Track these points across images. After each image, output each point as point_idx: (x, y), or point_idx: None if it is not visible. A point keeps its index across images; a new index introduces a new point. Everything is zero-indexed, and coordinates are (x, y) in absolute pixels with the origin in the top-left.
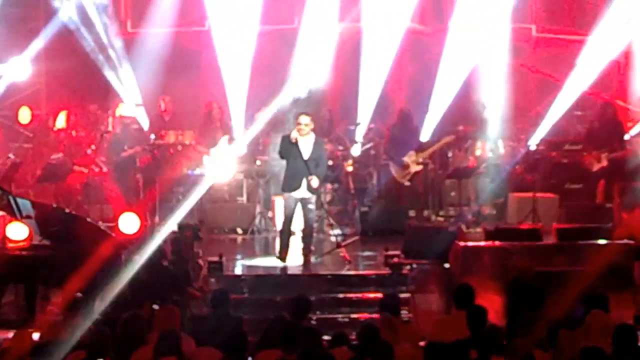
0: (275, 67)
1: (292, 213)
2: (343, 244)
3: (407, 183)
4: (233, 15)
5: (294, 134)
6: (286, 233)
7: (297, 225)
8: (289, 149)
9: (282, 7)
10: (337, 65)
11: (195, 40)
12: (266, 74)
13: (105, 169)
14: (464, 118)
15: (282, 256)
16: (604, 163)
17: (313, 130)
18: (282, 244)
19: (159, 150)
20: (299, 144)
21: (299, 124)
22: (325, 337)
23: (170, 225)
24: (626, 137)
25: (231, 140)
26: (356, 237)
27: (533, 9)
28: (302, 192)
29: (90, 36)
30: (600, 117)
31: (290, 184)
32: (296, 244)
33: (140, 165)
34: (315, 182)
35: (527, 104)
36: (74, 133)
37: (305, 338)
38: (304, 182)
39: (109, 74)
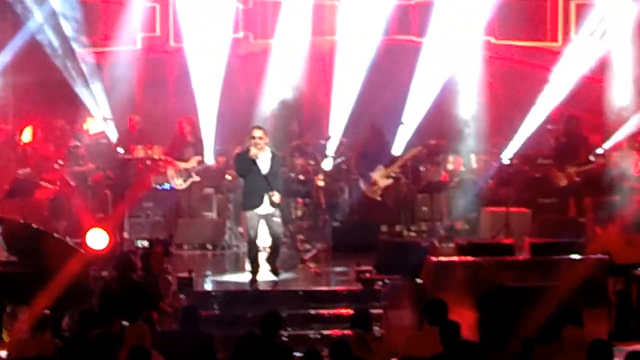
0: (248, 80)
1: (256, 232)
2: (307, 257)
3: (378, 198)
4: (206, 28)
5: (254, 151)
6: (253, 253)
7: (265, 241)
8: (247, 165)
9: (255, 19)
10: (308, 79)
11: (165, 56)
12: (238, 88)
13: (72, 184)
14: (436, 132)
15: (254, 281)
16: (573, 179)
17: (266, 144)
18: (251, 264)
19: (126, 166)
20: (258, 159)
21: (254, 137)
22: (297, 354)
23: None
24: (599, 150)
25: (202, 162)
26: (315, 250)
27: (508, 21)
28: (264, 208)
29: (59, 50)
30: (566, 131)
31: (251, 202)
32: (264, 261)
33: (91, 184)
34: (276, 197)
35: (499, 118)
36: (40, 148)
37: (276, 355)
38: (266, 198)
39: (77, 89)
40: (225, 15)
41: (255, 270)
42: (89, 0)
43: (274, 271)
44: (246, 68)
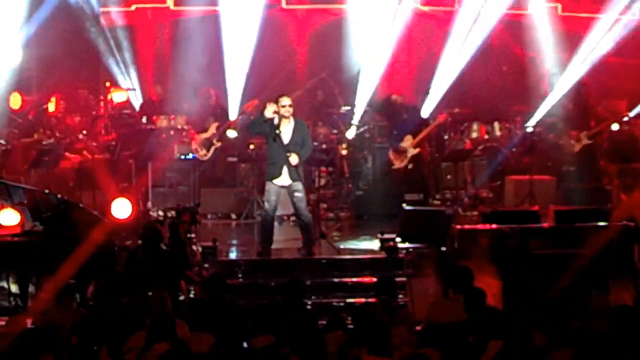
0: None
1: (274, 204)
2: (327, 233)
3: (401, 165)
4: None
5: (268, 112)
6: (266, 227)
7: (288, 210)
8: (259, 125)
9: None
10: (334, 49)
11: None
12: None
13: (97, 154)
14: (460, 100)
15: (263, 252)
16: (585, 141)
17: (293, 114)
18: (263, 238)
19: (149, 136)
20: (281, 129)
21: (281, 105)
22: (321, 322)
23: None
24: (625, 118)
25: (220, 126)
26: (339, 224)
27: None
28: (283, 179)
29: (84, 20)
30: (574, 99)
31: (271, 172)
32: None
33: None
34: (294, 159)
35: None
36: (64, 118)
37: (300, 322)
38: (285, 170)
39: (102, 59)
40: None
41: (264, 241)
42: None
43: (308, 252)
44: (278, 34)
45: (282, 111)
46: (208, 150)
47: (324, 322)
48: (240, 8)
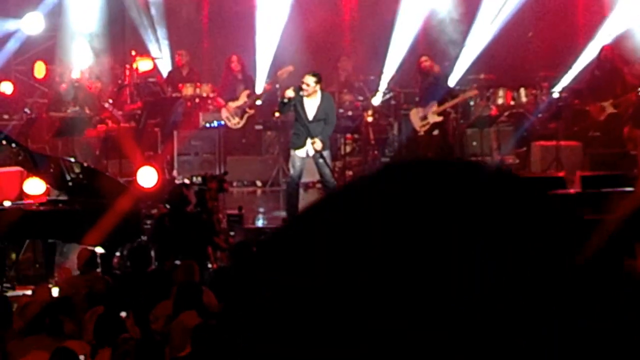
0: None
1: (298, 172)
2: None
3: (421, 130)
4: None
5: (288, 92)
6: (291, 194)
7: (313, 176)
8: (284, 107)
9: None
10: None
11: None
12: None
13: (122, 122)
14: (486, 65)
15: (287, 213)
16: (610, 110)
17: (321, 89)
18: (288, 205)
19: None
20: (304, 103)
21: (302, 82)
22: None
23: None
24: None
25: (252, 94)
26: None
27: None
28: (306, 151)
29: None
30: (599, 64)
31: (295, 142)
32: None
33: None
34: (318, 144)
35: (551, 51)
36: (90, 86)
37: None
38: (308, 141)
39: (127, 27)
40: None
41: (290, 208)
42: None
43: None
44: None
45: (304, 88)
46: (241, 118)
47: None
48: None
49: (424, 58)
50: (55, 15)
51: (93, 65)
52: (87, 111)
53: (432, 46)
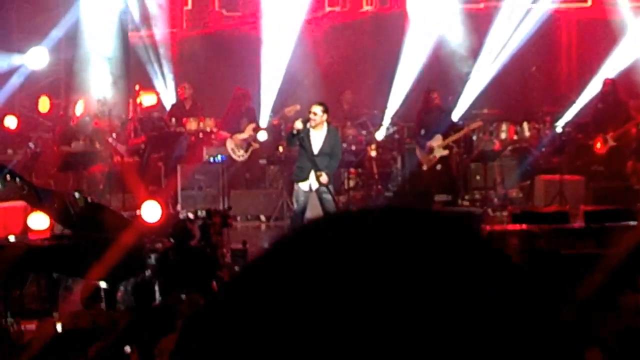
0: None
1: (302, 206)
2: None
3: (429, 165)
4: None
5: (297, 124)
6: (294, 226)
7: (316, 213)
8: (292, 140)
9: None
10: (370, 51)
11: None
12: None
13: (126, 157)
14: (489, 101)
15: None
16: (611, 143)
17: (327, 121)
18: None
19: (179, 139)
20: (310, 136)
21: (309, 112)
22: None
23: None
24: None
25: (257, 128)
26: None
27: None
28: (311, 184)
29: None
30: (602, 97)
31: (299, 175)
32: None
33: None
34: (324, 178)
35: (554, 86)
36: (93, 121)
37: None
38: (312, 175)
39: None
40: None
41: None
42: None
43: None
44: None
45: (312, 119)
46: (246, 151)
47: None
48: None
49: (435, 95)
50: (60, 50)
51: (110, 92)
52: (97, 146)
53: (435, 81)
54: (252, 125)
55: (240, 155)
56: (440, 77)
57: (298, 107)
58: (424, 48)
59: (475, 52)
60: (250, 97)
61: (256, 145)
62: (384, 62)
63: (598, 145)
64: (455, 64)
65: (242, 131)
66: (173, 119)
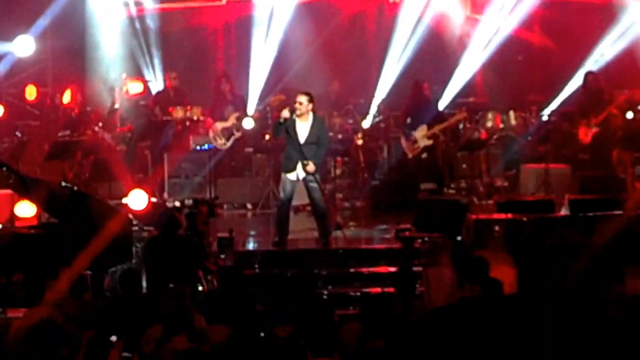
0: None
1: (289, 195)
2: (343, 224)
3: (413, 154)
4: None
5: (284, 113)
6: (282, 217)
7: (303, 199)
8: (279, 129)
9: None
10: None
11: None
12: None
13: (112, 146)
14: (475, 89)
15: (279, 242)
16: (595, 129)
17: (313, 110)
18: (278, 229)
19: (165, 127)
20: (296, 126)
21: (295, 102)
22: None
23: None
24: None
25: (242, 117)
26: (354, 224)
27: None
28: (297, 174)
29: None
30: (585, 88)
31: (286, 165)
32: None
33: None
34: (311, 167)
35: (540, 74)
36: (80, 110)
37: (315, 313)
38: (299, 165)
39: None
40: None
41: (280, 231)
42: None
43: (325, 243)
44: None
45: (297, 108)
46: (228, 140)
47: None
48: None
49: (425, 85)
50: (47, 38)
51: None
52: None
53: (423, 70)
54: (236, 115)
55: (221, 143)
56: (428, 66)
57: (283, 97)
58: (413, 36)
59: (463, 41)
60: (233, 83)
61: (238, 134)
62: (371, 50)
63: (582, 133)
64: (442, 54)
65: (225, 119)
66: (157, 108)
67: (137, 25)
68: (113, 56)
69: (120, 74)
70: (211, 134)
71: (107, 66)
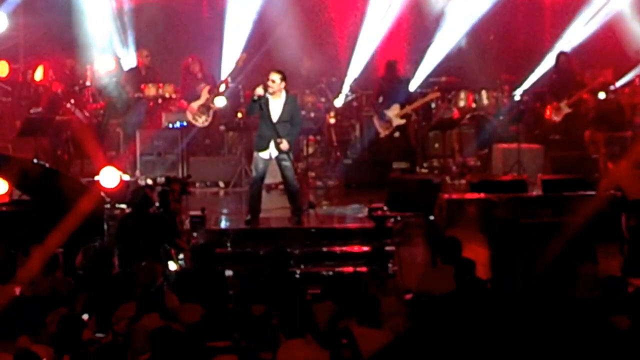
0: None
1: (261, 174)
2: (316, 203)
3: (385, 134)
4: None
5: (258, 90)
6: (254, 196)
7: (276, 178)
8: (253, 107)
9: None
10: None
11: None
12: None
13: (84, 123)
14: (447, 69)
15: (251, 221)
16: (566, 110)
17: (285, 89)
18: (250, 208)
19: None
20: (269, 104)
21: (268, 79)
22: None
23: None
24: (612, 87)
25: (212, 90)
26: (327, 203)
27: None
28: (270, 153)
29: None
30: (557, 68)
31: (259, 144)
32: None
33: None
34: (284, 145)
35: (513, 54)
36: (52, 87)
37: (288, 292)
38: (272, 143)
39: (89, 27)
40: None
41: (253, 209)
42: None
43: (298, 216)
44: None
45: (270, 86)
46: (208, 115)
47: (314, 292)
48: None
49: (398, 65)
50: (19, 14)
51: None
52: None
53: (395, 49)
54: (207, 88)
55: (203, 121)
56: (400, 44)
57: (244, 55)
58: (386, 16)
59: (435, 22)
60: (202, 62)
61: (216, 107)
62: (344, 29)
63: (548, 112)
64: (415, 33)
65: (199, 97)
66: (129, 85)
67: (112, 1)
68: (86, 33)
69: (92, 51)
70: (190, 116)
71: (80, 43)
